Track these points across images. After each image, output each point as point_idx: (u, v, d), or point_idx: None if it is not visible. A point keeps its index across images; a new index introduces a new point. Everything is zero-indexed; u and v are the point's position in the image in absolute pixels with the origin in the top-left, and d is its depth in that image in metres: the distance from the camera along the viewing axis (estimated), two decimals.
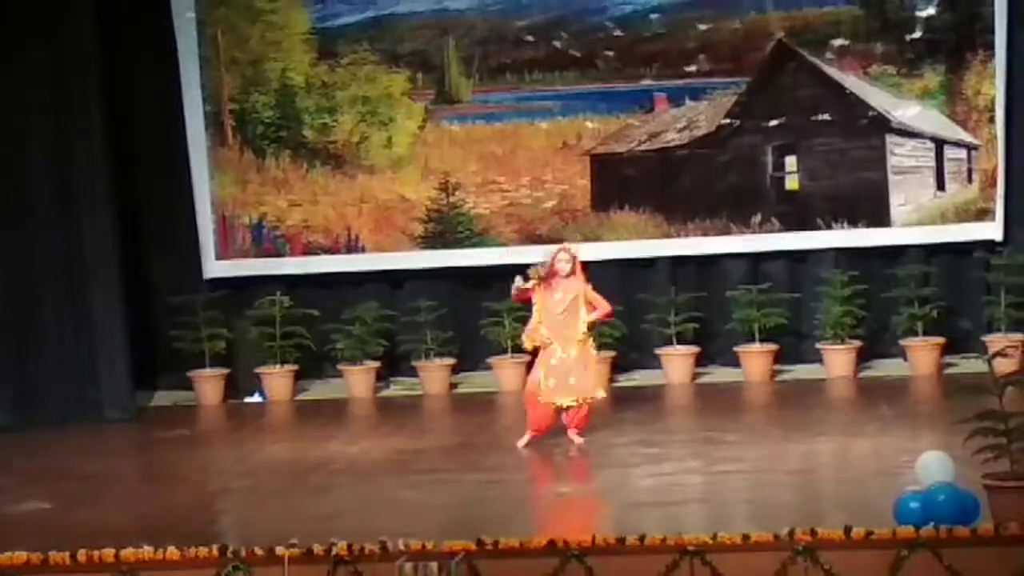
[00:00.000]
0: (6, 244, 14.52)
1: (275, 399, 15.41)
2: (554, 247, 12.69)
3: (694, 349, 15.28)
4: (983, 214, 15.11)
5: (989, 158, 15.07)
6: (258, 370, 15.53)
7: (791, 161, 15.32)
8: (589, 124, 15.52)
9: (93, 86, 14.68)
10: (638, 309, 15.33)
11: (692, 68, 15.35)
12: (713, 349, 15.51)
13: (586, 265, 12.52)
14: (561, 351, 12.20)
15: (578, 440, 12.22)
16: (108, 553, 9.11)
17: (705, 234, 15.36)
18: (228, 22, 15.60)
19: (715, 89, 15.33)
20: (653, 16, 15.36)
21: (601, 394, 12.41)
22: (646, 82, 15.42)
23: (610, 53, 15.42)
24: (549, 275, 12.24)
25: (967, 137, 15.15)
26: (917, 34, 15.14)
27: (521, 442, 12.26)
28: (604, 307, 12.40)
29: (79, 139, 14.63)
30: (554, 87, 15.50)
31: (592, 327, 12.50)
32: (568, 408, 12.19)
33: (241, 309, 15.66)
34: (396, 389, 15.66)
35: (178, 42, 15.44)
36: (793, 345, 15.43)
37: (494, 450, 12.37)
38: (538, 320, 12.29)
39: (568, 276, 12.23)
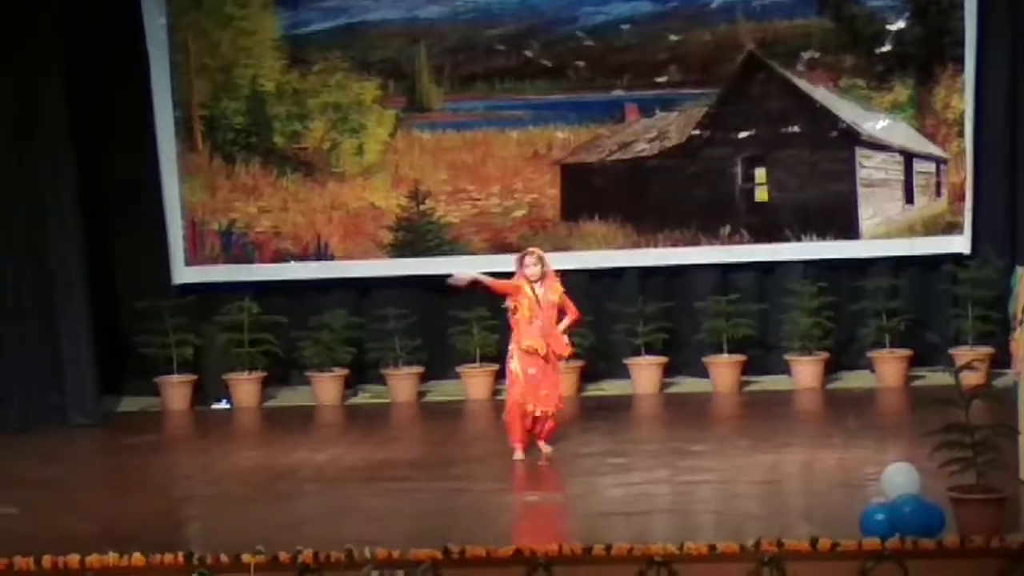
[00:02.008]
0: None
1: (242, 406, 15.39)
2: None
3: (662, 359, 15.31)
4: (951, 227, 15.17)
5: (958, 172, 15.13)
6: (226, 376, 15.50)
7: (760, 173, 15.36)
8: (559, 134, 15.54)
9: (60, 89, 14.63)
10: (607, 319, 15.37)
11: (663, 79, 15.39)
12: (681, 359, 15.54)
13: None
14: (533, 366, 12.07)
15: (547, 449, 12.19)
16: (73, 559, 9.08)
17: (674, 244, 15.39)
18: (199, 28, 15.58)
19: (685, 100, 15.37)
20: (624, 26, 15.39)
21: (551, 411, 12.14)
22: (617, 92, 15.45)
23: (581, 63, 15.44)
24: (520, 279, 12.11)
25: (936, 150, 15.21)
26: (887, 47, 15.20)
27: (518, 456, 12.15)
28: (572, 313, 12.22)
29: (46, 143, 14.57)
30: (525, 96, 15.52)
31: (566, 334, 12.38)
32: (536, 418, 12.13)
33: (209, 315, 15.63)
34: (364, 397, 15.65)
35: (149, 47, 15.41)
36: (761, 356, 15.47)
37: (461, 459, 12.36)
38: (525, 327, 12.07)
39: (539, 280, 12.04)
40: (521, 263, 12.11)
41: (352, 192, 15.67)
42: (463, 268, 12.54)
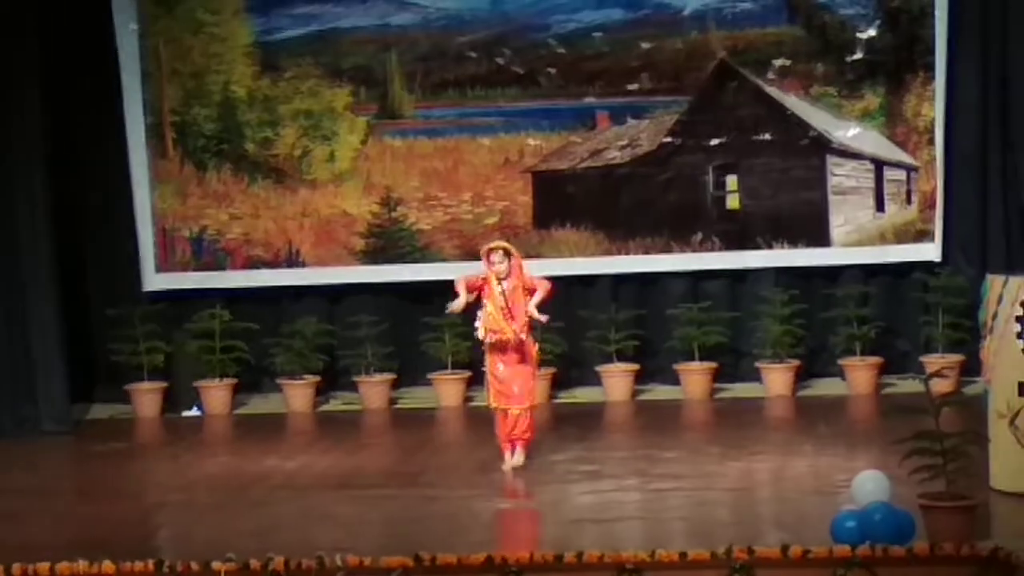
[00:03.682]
0: None
1: (213, 413, 15.35)
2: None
3: (634, 366, 15.32)
4: (922, 235, 15.22)
5: (928, 179, 15.18)
6: (196, 384, 15.46)
7: (732, 180, 15.39)
8: (531, 141, 15.55)
9: (32, 94, 14.57)
10: (579, 326, 15.38)
11: (634, 86, 15.41)
12: (653, 366, 15.56)
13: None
14: (501, 361, 11.98)
15: (518, 460, 11.98)
16: (43, 567, 9.06)
17: (646, 252, 15.41)
18: (170, 34, 15.55)
19: (657, 107, 15.40)
20: (596, 34, 15.41)
21: (518, 407, 11.89)
22: (588, 100, 15.47)
23: (553, 70, 15.46)
24: (486, 280, 11.94)
25: (907, 158, 15.26)
26: (858, 55, 15.25)
27: (505, 465, 11.99)
28: (543, 285, 11.90)
29: (16, 148, 14.51)
30: (496, 103, 15.53)
31: (541, 308, 12.05)
32: (511, 415, 11.99)
33: (180, 322, 15.60)
34: (336, 404, 15.62)
35: (120, 53, 15.38)
36: (732, 363, 15.50)
37: (433, 466, 12.35)
38: (488, 310, 11.88)
39: (507, 276, 11.85)
40: (487, 259, 11.95)
41: (324, 199, 15.66)
42: (455, 302, 12.27)
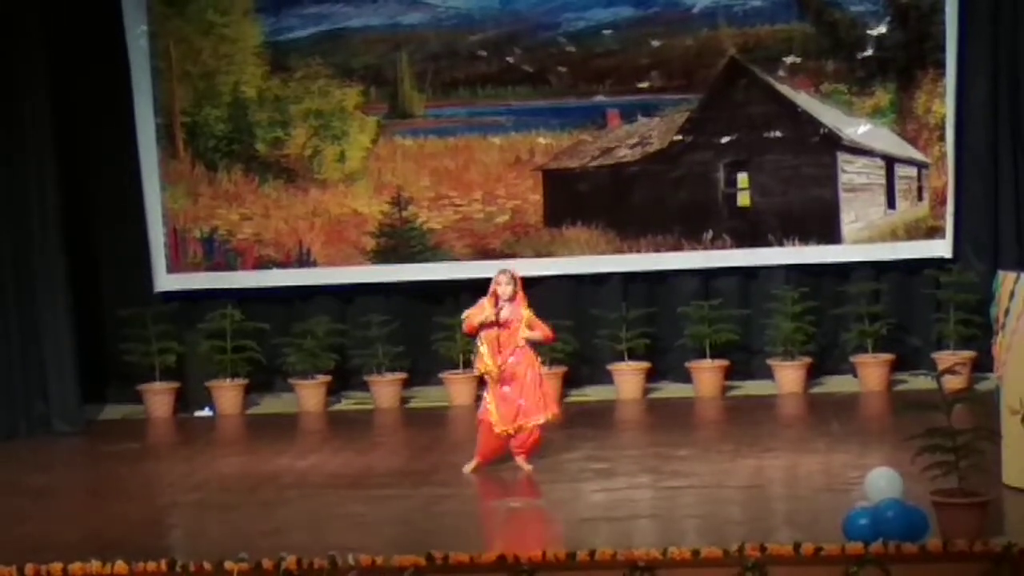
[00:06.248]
0: None
1: (225, 413, 15.37)
2: (502, 263, 12.50)
3: (645, 365, 15.32)
4: (933, 232, 15.20)
5: (939, 176, 15.16)
6: (208, 384, 15.48)
7: (743, 178, 15.38)
8: (542, 139, 15.55)
9: (43, 96, 14.60)
10: (590, 324, 15.38)
11: (645, 84, 15.41)
12: (664, 365, 15.56)
13: (527, 290, 12.10)
14: (507, 384, 11.93)
15: (526, 467, 11.97)
16: (56, 567, 9.08)
17: (657, 250, 15.40)
18: (180, 35, 15.57)
19: (667, 105, 15.39)
20: (606, 32, 15.41)
21: (542, 420, 11.90)
22: (599, 98, 15.46)
23: (563, 69, 15.46)
24: (492, 298, 11.89)
25: (918, 155, 15.24)
26: (868, 52, 15.23)
27: (467, 467, 12.05)
28: (546, 332, 11.95)
29: (27, 150, 14.53)
30: (507, 102, 15.53)
31: (533, 345, 12.08)
32: (516, 433, 11.99)
33: (192, 322, 15.62)
34: (347, 403, 15.63)
35: (130, 54, 15.40)
36: (744, 361, 15.49)
37: (445, 465, 12.34)
38: (482, 351, 11.90)
39: (510, 299, 11.82)
40: (495, 281, 11.87)
41: (334, 199, 15.67)
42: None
